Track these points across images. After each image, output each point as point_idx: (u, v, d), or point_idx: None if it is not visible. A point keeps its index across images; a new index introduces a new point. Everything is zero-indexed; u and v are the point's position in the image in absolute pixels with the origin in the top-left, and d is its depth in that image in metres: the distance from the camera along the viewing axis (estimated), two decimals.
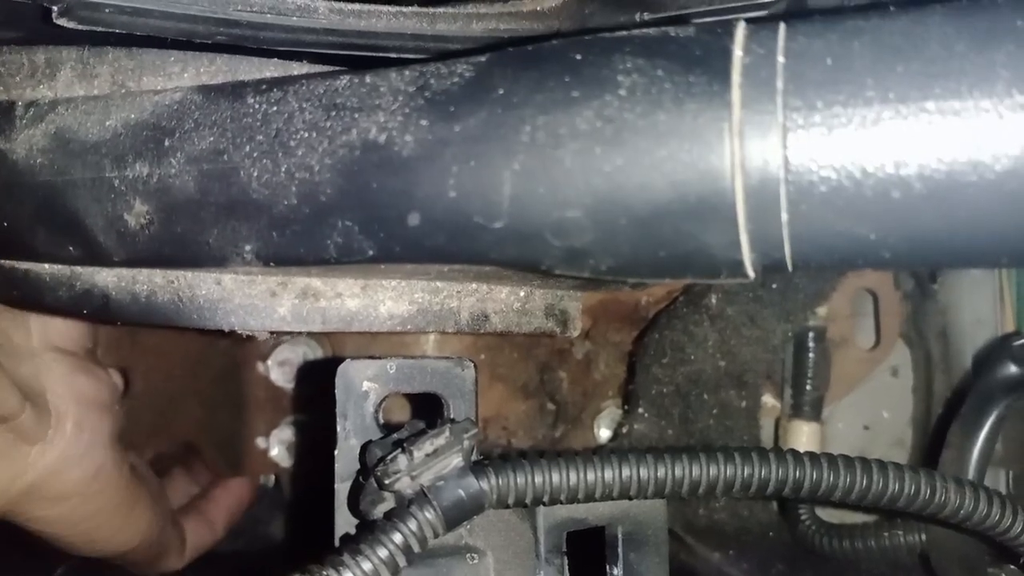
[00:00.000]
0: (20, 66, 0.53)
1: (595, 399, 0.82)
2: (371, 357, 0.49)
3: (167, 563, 0.72)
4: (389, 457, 0.44)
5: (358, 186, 0.42)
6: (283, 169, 0.44)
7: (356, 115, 0.43)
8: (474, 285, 0.58)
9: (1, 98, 0.53)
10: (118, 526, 0.64)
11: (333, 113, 0.43)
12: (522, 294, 0.61)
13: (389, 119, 0.42)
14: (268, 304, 0.54)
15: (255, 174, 0.44)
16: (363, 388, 0.48)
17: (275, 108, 0.45)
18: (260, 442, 0.83)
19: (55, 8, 0.43)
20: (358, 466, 0.48)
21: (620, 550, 0.53)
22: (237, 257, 0.46)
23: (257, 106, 0.46)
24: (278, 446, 0.83)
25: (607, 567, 0.53)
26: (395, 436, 0.47)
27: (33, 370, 0.57)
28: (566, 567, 0.52)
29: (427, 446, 0.45)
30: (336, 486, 0.48)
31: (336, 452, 0.48)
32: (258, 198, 0.44)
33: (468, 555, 0.48)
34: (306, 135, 0.44)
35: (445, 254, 0.43)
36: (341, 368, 0.48)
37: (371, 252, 0.44)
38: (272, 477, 0.88)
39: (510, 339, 0.77)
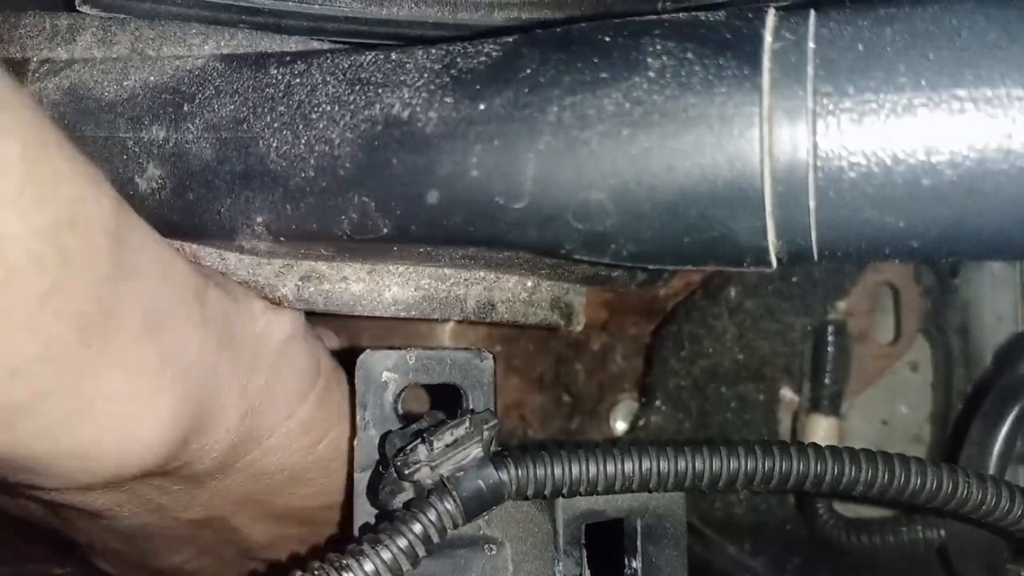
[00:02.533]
0: (41, 29, 0.52)
1: (611, 391, 0.82)
2: (390, 347, 0.49)
3: None
4: (409, 447, 0.44)
5: (378, 161, 0.42)
6: (303, 141, 0.43)
7: (380, 90, 0.42)
8: (482, 273, 0.57)
9: (16, 55, 0.51)
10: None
11: (357, 87, 0.43)
12: (529, 284, 0.60)
13: (414, 95, 0.42)
14: (271, 283, 0.53)
15: (274, 145, 0.44)
16: (383, 378, 0.48)
17: (298, 80, 0.45)
18: None
19: None
20: (377, 456, 0.48)
21: (639, 542, 0.52)
22: (247, 228, 0.46)
23: (280, 77, 0.45)
24: None
25: (625, 559, 0.53)
26: (415, 426, 0.47)
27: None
28: (584, 559, 0.51)
29: (447, 436, 0.44)
30: (355, 475, 0.48)
31: (356, 442, 0.48)
32: (275, 169, 0.44)
33: (486, 546, 0.48)
34: (328, 108, 0.43)
35: (462, 235, 0.42)
36: (361, 358, 0.48)
37: (386, 230, 0.43)
38: None
39: (526, 331, 0.76)
